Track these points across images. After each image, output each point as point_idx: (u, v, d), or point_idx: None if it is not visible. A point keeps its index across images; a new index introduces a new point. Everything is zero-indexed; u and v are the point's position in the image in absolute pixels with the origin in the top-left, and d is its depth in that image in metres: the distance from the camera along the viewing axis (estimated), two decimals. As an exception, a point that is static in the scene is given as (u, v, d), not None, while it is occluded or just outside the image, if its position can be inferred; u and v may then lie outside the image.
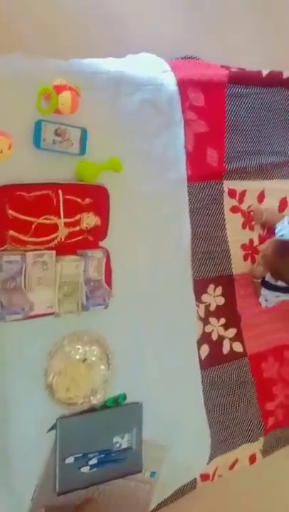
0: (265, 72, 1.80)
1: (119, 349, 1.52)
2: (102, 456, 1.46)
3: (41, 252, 1.37)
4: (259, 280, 1.85)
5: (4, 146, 1.27)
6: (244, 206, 1.83)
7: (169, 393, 1.63)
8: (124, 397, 1.54)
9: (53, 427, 1.42)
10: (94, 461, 1.44)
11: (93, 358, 1.47)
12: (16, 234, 1.34)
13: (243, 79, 1.76)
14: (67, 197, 1.41)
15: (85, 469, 1.43)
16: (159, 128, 1.61)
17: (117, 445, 1.51)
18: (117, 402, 1.52)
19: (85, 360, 1.46)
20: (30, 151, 1.37)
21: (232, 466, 1.82)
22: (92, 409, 1.49)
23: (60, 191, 1.39)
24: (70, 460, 1.41)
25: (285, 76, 1.84)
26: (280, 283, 1.76)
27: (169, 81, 1.61)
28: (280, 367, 1.92)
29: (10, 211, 1.32)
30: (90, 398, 1.46)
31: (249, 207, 1.83)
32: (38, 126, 1.36)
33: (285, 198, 1.93)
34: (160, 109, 1.60)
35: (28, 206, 1.34)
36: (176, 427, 1.65)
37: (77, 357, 1.45)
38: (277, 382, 1.90)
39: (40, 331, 1.39)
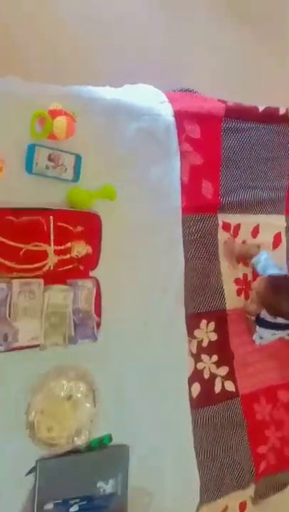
0: (261, 108, 1.80)
1: (106, 385, 1.45)
2: (84, 503, 1.36)
3: (28, 281, 1.31)
4: (253, 317, 1.79)
5: (-7, 169, 1.23)
6: (240, 240, 1.80)
7: (156, 435, 1.54)
8: (110, 438, 1.45)
9: (32, 470, 1.32)
10: (75, 508, 1.34)
11: (79, 395, 1.39)
12: (2, 260, 1.28)
13: (239, 113, 1.75)
14: (59, 224, 1.36)
15: (65, 517, 1.32)
16: (155, 158, 1.58)
17: (101, 490, 1.40)
18: (101, 443, 1.42)
19: (70, 397, 1.37)
20: (22, 175, 1.32)
21: (222, 513, 1.71)
22: (75, 451, 1.39)
23: (51, 217, 1.34)
24: (49, 506, 1.31)
25: (281, 112, 1.85)
26: (279, 319, 1.71)
27: (166, 112, 1.60)
28: (272, 408, 1.84)
29: (-3, 236, 1.27)
30: (73, 439, 1.36)
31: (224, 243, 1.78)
32: (30, 150, 1.32)
33: (280, 233, 1.90)
34: (157, 138, 1.58)
35: (16, 231, 1.29)
36: (164, 471, 1.55)
37: (62, 394, 1.36)
38: (269, 424, 1.82)
39: (23, 364, 1.31)
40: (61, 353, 1.36)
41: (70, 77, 1.51)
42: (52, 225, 1.34)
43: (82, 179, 1.41)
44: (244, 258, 1.79)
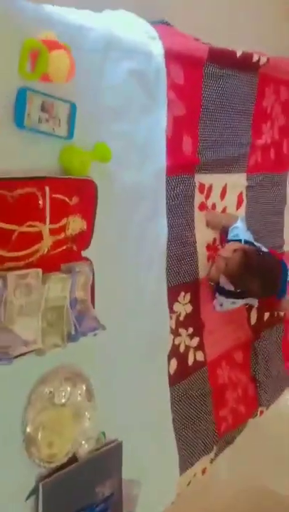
0: (239, 53, 1.61)
1: (98, 379, 1.25)
2: (88, 513, 1.20)
3: (24, 272, 1.00)
4: (213, 283, 1.72)
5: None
6: (209, 203, 1.66)
7: (137, 421, 1.41)
8: (104, 435, 1.28)
9: (33, 492, 1.10)
10: (79, 522, 1.17)
11: (79, 399, 1.17)
12: (-7, 249, 0.95)
13: (221, 58, 1.54)
14: (55, 195, 1.05)
15: (72, 536, 1.15)
16: (145, 107, 1.31)
17: (100, 495, 1.25)
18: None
19: (69, 403, 1.15)
20: (11, 130, 0.97)
21: (189, 483, 1.70)
22: (71, 460, 1.19)
23: (47, 188, 1.02)
24: (56, 529, 1.12)
25: (254, 59, 1.68)
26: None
27: (157, 51, 1.31)
28: (230, 370, 1.84)
29: (-12, 218, 0.93)
30: (77, 449, 1.16)
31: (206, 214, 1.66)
32: (21, 96, 0.97)
33: (242, 193, 1.81)
34: (147, 83, 1.30)
35: (9, 210, 0.96)
36: (146, 458, 1.45)
37: (63, 400, 1.13)
38: (228, 386, 1.82)
39: (17, 374, 1.04)
40: (59, 354, 1.11)
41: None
42: (48, 198, 1.03)
43: (76, 136, 1.10)
44: (224, 228, 1.68)
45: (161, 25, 1.44)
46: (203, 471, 1.77)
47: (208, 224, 1.64)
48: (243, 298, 1.75)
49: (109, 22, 1.22)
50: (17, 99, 0.96)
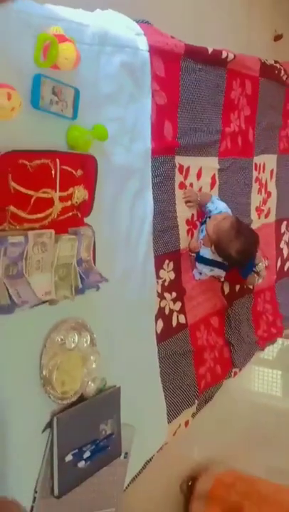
0: (210, 50, 1.82)
1: (99, 331, 1.43)
2: (94, 447, 1.37)
3: (41, 232, 1.18)
4: (194, 254, 1.93)
5: (16, 103, 1.04)
6: (187, 182, 1.86)
7: (131, 372, 1.60)
8: (105, 381, 1.46)
9: (48, 425, 1.28)
10: (87, 454, 1.34)
11: (85, 345, 1.35)
12: (15, 210, 1.12)
13: (194, 53, 1.75)
14: (64, 167, 1.23)
15: (81, 464, 1.33)
16: (133, 95, 1.51)
17: (103, 432, 1.43)
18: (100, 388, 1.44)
19: (76, 348, 1.33)
20: (28, 110, 1.15)
21: (175, 433, 1.90)
22: (80, 399, 1.38)
23: (57, 160, 1.20)
24: (69, 458, 1.29)
25: (223, 56, 1.90)
26: (217, 257, 1.87)
27: (143, 46, 1.51)
28: (208, 334, 2.06)
29: (13, 183, 1.10)
30: (84, 389, 1.34)
31: (184, 191, 1.86)
32: (36, 81, 1.15)
33: (214, 174, 2.03)
34: (135, 74, 1.50)
35: (29, 177, 1.14)
36: (138, 403, 1.64)
37: (72, 345, 1.31)
38: (206, 348, 2.03)
39: (34, 320, 1.22)
40: (68, 305, 1.29)
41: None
42: (58, 169, 1.21)
43: (79, 117, 1.28)
44: (199, 205, 1.89)
45: (143, 23, 1.64)
46: (186, 424, 1.98)
47: (186, 200, 1.84)
48: (220, 267, 1.96)
49: (102, 20, 1.41)
50: (33, 83, 1.14)
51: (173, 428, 1.87)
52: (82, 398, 1.38)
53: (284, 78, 2.44)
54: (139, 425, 1.62)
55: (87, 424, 1.37)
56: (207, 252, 1.89)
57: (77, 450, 1.32)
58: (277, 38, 2.65)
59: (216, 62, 1.89)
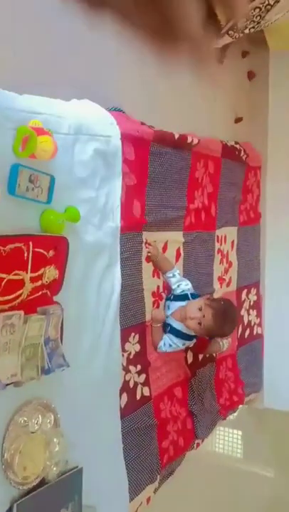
0: (176, 136, 1.96)
1: (64, 410, 1.42)
2: (54, 534, 1.34)
3: (10, 314, 1.20)
4: (159, 325, 1.97)
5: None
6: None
7: (94, 450, 1.58)
8: (66, 463, 1.44)
9: (8, 514, 1.24)
10: None
11: (48, 426, 1.34)
12: (-13, 293, 1.14)
13: (162, 139, 1.87)
14: (36, 250, 1.27)
15: None
16: (104, 178, 1.59)
17: (64, 517, 1.40)
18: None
19: (40, 430, 1.32)
20: (4, 196, 1.19)
21: (136, 511, 1.86)
22: (40, 483, 1.34)
23: (30, 243, 1.24)
24: None
25: (188, 140, 2.04)
26: (191, 332, 1.93)
27: (115, 134, 1.61)
28: (171, 405, 2.06)
29: (-14, 267, 1.13)
30: (47, 473, 1.32)
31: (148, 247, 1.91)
32: (14, 170, 1.20)
33: (179, 248, 2.12)
34: (107, 160, 1.58)
35: (1, 261, 1.17)
36: (100, 483, 1.61)
37: (36, 427, 1.30)
38: (170, 420, 2.04)
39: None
40: (33, 385, 1.29)
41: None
42: (31, 252, 1.25)
43: (53, 201, 1.34)
44: (159, 267, 1.96)
45: (116, 111, 1.75)
46: (148, 500, 1.94)
47: (150, 256, 1.89)
48: (190, 339, 2.00)
49: (78, 111, 1.50)
50: (10, 172, 1.20)
51: (135, 506, 1.83)
52: (42, 481, 1.35)
53: (243, 158, 2.62)
54: (101, 505, 1.59)
55: (48, 509, 1.34)
56: (180, 326, 1.94)
57: (36, 539, 1.28)
58: (238, 120, 2.85)
59: (182, 146, 2.02)
